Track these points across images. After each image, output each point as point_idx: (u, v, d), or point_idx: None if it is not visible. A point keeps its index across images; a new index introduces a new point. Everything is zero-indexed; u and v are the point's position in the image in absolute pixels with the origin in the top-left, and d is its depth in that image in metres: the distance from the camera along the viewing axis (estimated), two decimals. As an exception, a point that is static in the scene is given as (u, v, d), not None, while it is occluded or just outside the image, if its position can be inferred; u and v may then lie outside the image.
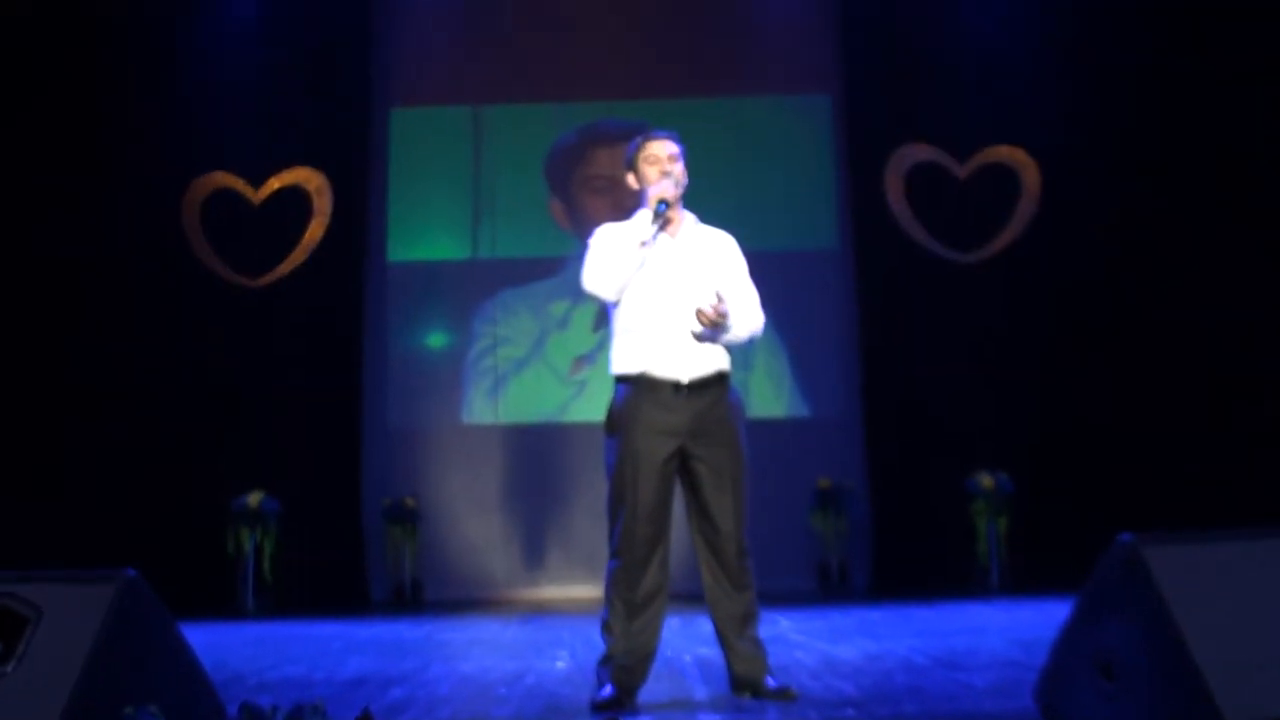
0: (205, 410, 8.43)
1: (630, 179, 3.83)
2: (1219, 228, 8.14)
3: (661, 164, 3.75)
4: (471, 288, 9.23)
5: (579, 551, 8.61)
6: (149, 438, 8.27)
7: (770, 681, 3.66)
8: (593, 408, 8.08)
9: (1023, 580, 7.97)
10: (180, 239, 8.71)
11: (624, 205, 4.29)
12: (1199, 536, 2.67)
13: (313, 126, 8.89)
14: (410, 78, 9.37)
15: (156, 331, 8.48)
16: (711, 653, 4.23)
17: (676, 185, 3.73)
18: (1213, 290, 8.03)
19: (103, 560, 3.65)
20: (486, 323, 9.21)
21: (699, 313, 3.59)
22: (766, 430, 7.92)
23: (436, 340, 9.30)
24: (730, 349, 3.76)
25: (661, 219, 3.68)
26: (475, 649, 5.52)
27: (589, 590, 8.04)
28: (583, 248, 3.79)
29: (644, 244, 3.65)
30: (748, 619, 3.68)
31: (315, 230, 8.87)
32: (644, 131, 3.87)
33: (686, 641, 5.15)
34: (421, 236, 9.33)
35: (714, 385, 3.69)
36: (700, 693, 3.89)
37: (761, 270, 3.97)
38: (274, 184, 8.92)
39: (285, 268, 8.82)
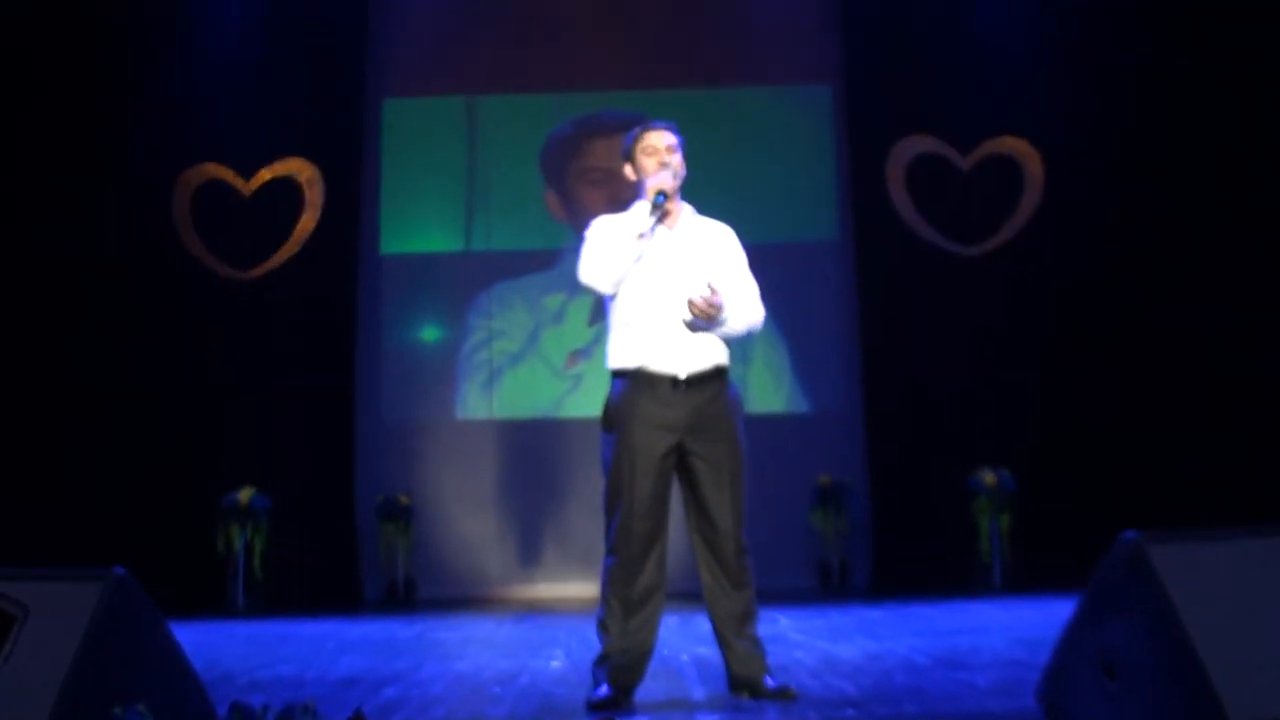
0: (195, 406, 8.35)
1: (628, 170, 3.80)
2: (1219, 228, 8.13)
3: (659, 155, 3.71)
4: (466, 281, 9.16)
5: (575, 549, 8.55)
6: (137, 434, 8.19)
7: (769, 681, 3.63)
8: (589, 402, 8.06)
9: (1025, 579, 7.92)
10: (170, 233, 8.63)
11: (621, 197, 4.25)
12: (1203, 534, 2.64)
13: (304, 117, 8.80)
14: (403, 67, 9.27)
15: (145, 326, 8.39)
16: (710, 652, 4.20)
17: (675, 176, 3.70)
18: (1213, 290, 8.02)
19: (91, 558, 3.61)
20: (481, 316, 9.14)
21: (690, 303, 3.57)
22: (766, 426, 7.88)
23: (430, 334, 9.23)
24: (729, 343, 3.72)
25: (659, 211, 3.65)
26: (469, 648, 5.50)
27: (585, 588, 8.00)
28: (579, 240, 3.76)
29: (641, 236, 3.62)
30: (746, 618, 3.65)
31: (307, 222, 8.78)
32: (642, 122, 3.83)
33: (684, 640, 5.12)
34: (415, 229, 9.25)
35: (712, 380, 3.65)
36: (698, 692, 3.86)
37: (761, 263, 3.94)
38: (265, 175, 8.82)
39: (276, 260, 8.73)
